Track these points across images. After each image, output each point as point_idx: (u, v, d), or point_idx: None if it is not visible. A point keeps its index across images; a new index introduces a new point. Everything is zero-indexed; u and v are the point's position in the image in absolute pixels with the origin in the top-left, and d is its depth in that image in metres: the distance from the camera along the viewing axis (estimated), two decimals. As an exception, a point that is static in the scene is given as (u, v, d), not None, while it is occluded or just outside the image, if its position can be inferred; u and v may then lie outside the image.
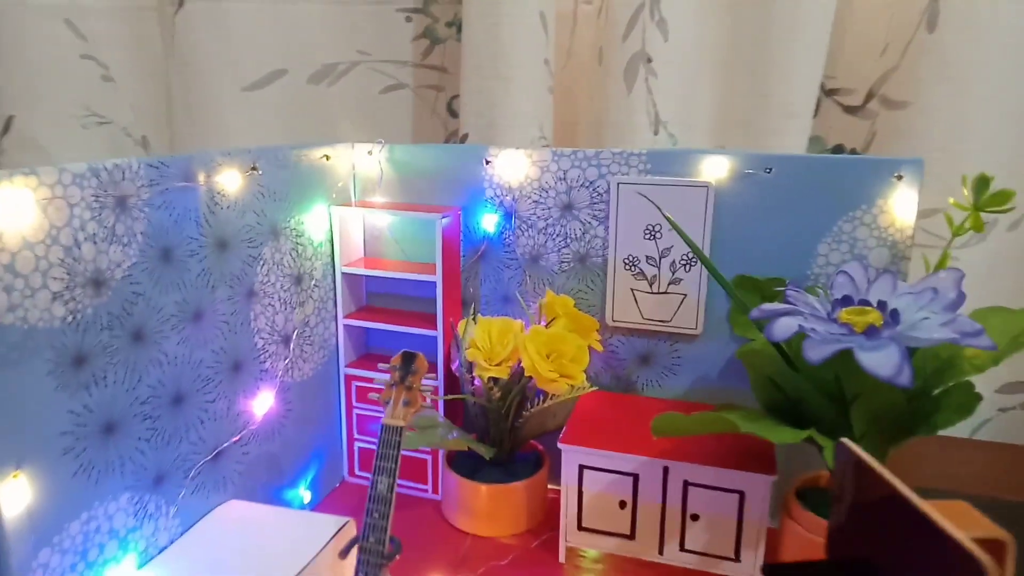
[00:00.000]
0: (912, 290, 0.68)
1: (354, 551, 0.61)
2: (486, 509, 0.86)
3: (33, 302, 0.54)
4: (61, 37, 1.36)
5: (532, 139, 1.21)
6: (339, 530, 0.68)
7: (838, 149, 1.23)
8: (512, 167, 0.88)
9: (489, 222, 0.91)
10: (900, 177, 0.77)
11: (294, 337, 0.84)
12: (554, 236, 0.89)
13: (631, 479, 0.77)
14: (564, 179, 0.87)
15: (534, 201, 0.88)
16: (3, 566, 0.54)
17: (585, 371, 0.89)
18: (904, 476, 1.00)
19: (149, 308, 0.65)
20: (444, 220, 0.85)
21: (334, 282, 0.91)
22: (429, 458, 0.92)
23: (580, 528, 0.80)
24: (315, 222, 0.87)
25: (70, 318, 0.57)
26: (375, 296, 0.97)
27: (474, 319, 0.86)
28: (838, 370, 0.68)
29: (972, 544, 0.42)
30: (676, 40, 1.15)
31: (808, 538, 0.72)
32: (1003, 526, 0.58)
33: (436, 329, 0.88)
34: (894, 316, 0.65)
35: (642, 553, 0.79)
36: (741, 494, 0.74)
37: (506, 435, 0.87)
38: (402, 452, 0.90)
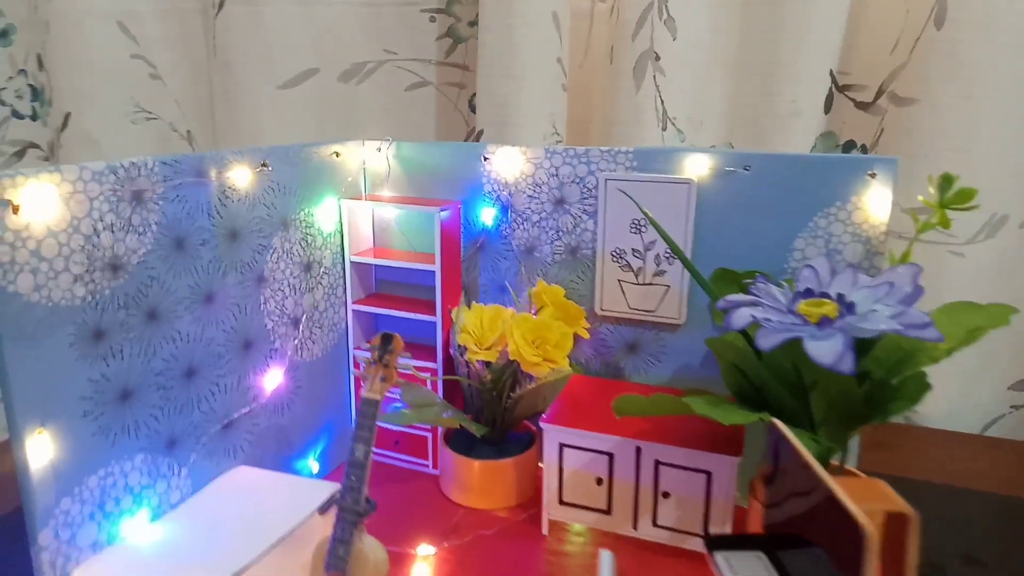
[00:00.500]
0: (870, 284, 0.71)
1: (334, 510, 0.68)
2: (478, 483, 0.92)
3: (56, 283, 0.62)
4: (114, 39, 1.46)
5: (545, 135, 1.26)
6: (332, 494, 0.75)
7: (849, 145, 1.24)
8: (508, 163, 0.94)
9: (487, 215, 0.96)
10: (873, 175, 0.80)
11: (303, 320, 0.92)
12: (547, 229, 0.94)
13: (607, 457, 0.82)
14: (556, 175, 0.92)
15: (528, 196, 0.94)
16: (29, 510, 0.62)
17: (575, 357, 0.94)
18: (909, 470, 1.02)
19: (163, 290, 0.72)
20: (443, 213, 0.91)
21: (344, 270, 0.98)
22: (429, 436, 0.99)
23: (561, 503, 0.86)
24: (325, 214, 0.94)
25: (89, 298, 0.65)
26: (385, 284, 1.04)
27: (468, 306, 0.92)
28: (796, 359, 0.71)
29: (858, 511, 0.46)
30: (684, 39, 1.18)
31: (771, 518, 0.76)
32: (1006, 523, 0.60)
33: (435, 315, 0.94)
34: (850, 308, 0.68)
35: (618, 527, 0.84)
36: (708, 474, 0.78)
37: (498, 415, 0.92)
38: (402, 429, 0.97)
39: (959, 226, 1.13)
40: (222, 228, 0.79)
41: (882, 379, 0.73)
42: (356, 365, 1.00)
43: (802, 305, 0.69)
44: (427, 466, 1.00)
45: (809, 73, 1.16)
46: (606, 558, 0.73)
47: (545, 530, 0.87)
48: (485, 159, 0.95)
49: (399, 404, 0.94)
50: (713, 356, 0.90)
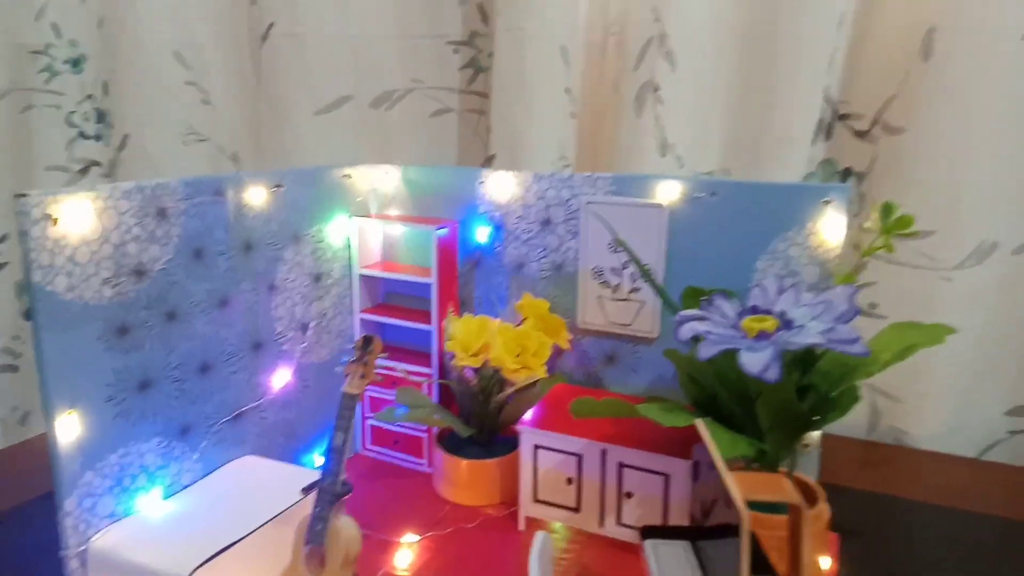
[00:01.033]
0: (810, 302, 0.76)
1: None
2: (465, 480, 1.00)
3: (88, 284, 0.73)
4: (170, 67, 1.61)
5: (553, 161, 1.34)
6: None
7: (847, 172, 1.29)
8: (500, 187, 1.02)
9: (482, 234, 1.05)
10: (828, 202, 0.85)
11: (311, 325, 1.02)
12: (535, 247, 1.02)
13: (576, 459, 0.89)
14: (543, 198, 1.00)
15: (518, 216, 1.02)
16: (58, 480, 0.73)
17: (559, 367, 1.01)
18: (906, 489, 1.05)
19: (182, 294, 0.83)
20: (439, 231, 1.00)
21: (351, 281, 1.08)
22: (425, 436, 1.07)
23: (536, 500, 0.93)
24: (336, 230, 1.04)
25: (116, 298, 0.76)
26: (392, 296, 1.13)
27: (459, 316, 1.01)
28: (740, 370, 0.77)
29: (738, 498, 0.53)
30: (683, 71, 1.25)
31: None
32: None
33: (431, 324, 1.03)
34: (788, 324, 0.74)
35: (586, 525, 0.90)
36: (667, 476, 0.84)
37: (485, 417, 1.00)
38: (400, 428, 1.06)
39: (947, 251, 1.16)
40: (238, 240, 0.89)
41: (825, 392, 0.78)
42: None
43: (746, 321, 0.76)
44: (423, 464, 1.08)
45: (802, 103, 1.21)
46: (539, 538, 0.78)
47: (522, 525, 0.94)
48: (481, 183, 1.03)
49: (398, 407, 1.03)
50: (680, 374, 0.96)
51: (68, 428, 0.73)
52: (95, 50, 1.63)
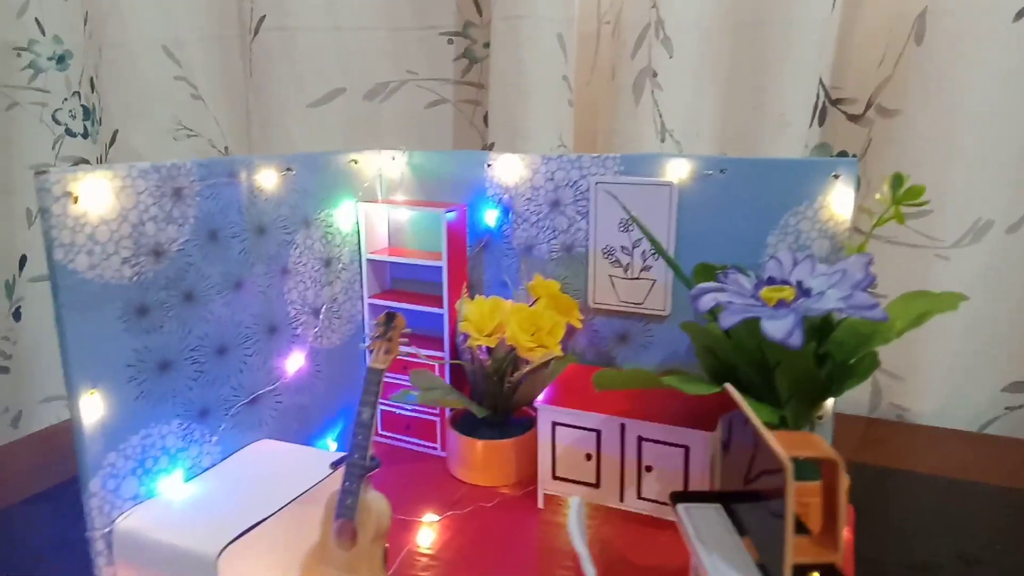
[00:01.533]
0: (827, 271, 0.78)
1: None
2: (481, 462, 1.00)
3: (108, 264, 0.72)
4: (159, 63, 1.60)
5: (551, 147, 1.35)
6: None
7: (842, 155, 1.31)
8: (509, 170, 1.03)
9: (491, 217, 1.05)
10: (837, 176, 0.87)
11: (323, 310, 1.01)
12: (544, 229, 1.03)
13: (595, 435, 0.90)
14: (552, 179, 1.01)
15: (527, 199, 1.03)
16: (82, 461, 0.72)
17: (571, 348, 1.02)
18: (909, 462, 1.07)
19: (199, 276, 0.83)
20: (449, 215, 1.01)
21: (360, 267, 1.08)
22: (438, 420, 1.07)
23: (555, 478, 0.93)
24: (344, 216, 1.04)
25: (136, 278, 0.75)
26: (399, 281, 1.13)
27: (471, 298, 1.01)
28: (760, 341, 0.79)
29: (780, 449, 0.54)
30: (680, 57, 1.27)
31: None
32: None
33: (443, 307, 1.03)
34: (806, 293, 0.75)
35: (606, 500, 0.91)
36: (686, 448, 0.86)
37: (499, 398, 1.01)
38: (412, 413, 1.06)
39: (943, 230, 1.19)
40: (251, 223, 0.89)
41: (842, 361, 0.80)
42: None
43: (764, 291, 0.77)
44: (435, 448, 1.09)
45: (797, 88, 1.24)
46: (575, 503, 0.79)
47: (540, 503, 0.95)
48: (488, 166, 1.04)
49: (411, 392, 1.03)
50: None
51: (91, 409, 0.72)
52: (80, 46, 1.61)
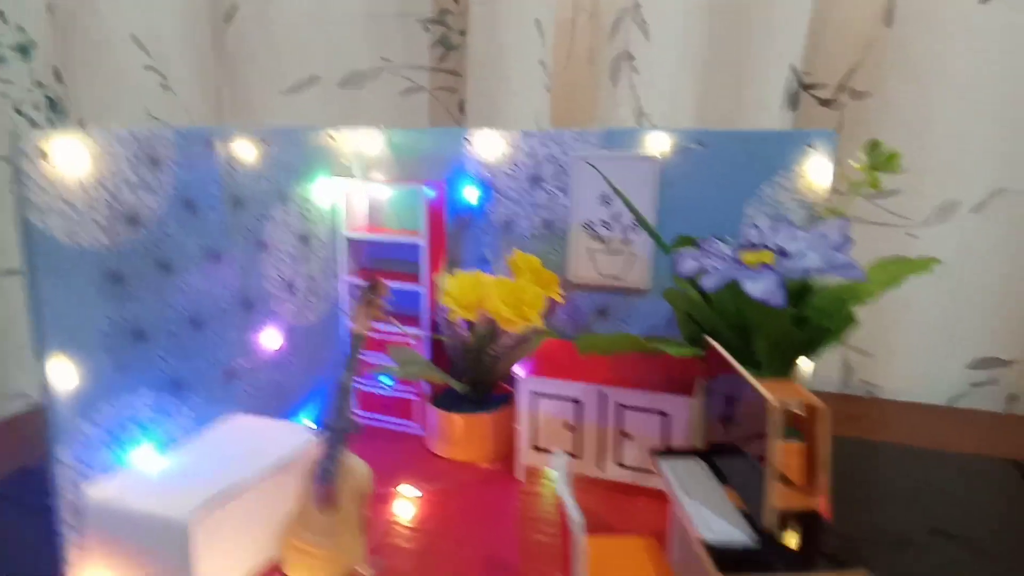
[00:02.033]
0: (805, 235, 0.79)
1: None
2: (460, 436, 0.99)
3: (83, 228, 0.71)
4: (126, 51, 1.57)
5: (528, 132, 1.35)
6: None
7: (814, 139, 1.33)
8: (488, 146, 1.03)
9: (471, 194, 1.05)
10: (811, 146, 0.88)
11: (300, 287, 1.00)
12: (525, 205, 1.03)
13: (574, 404, 0.90)
14: (532, 155, 1.01)
15: (507, 175, 1.03)
16: (52, 428, 0.70)
17: (550, 323, 1.02)
18: (881, 434, 1.08)
19: (175, 245, 0.81)
20: (428, 190, 1.00)
21: (337, 245, 1.07)
22: (415, 399, 1.06)
23: (534, 448, 0.93)
24: (322, 192, 1.03)
25: (111, 245, 0.74)
26: (377, 261, 1.12)
27: (451, 273, 1.01)
28: (740, 304, 0.79)
29: (766, 391, 0.54)
30: (657, 41, 1.28)
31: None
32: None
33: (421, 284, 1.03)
34: (785, 255, 0.76)
35: (587, 469, 0.91)
36: (667, 415, 0.86)
37: (479, 373, 1.00)
38: (389, 392, 1.05)
39: (912, 208, 1.22)
40: (228, 195, 0.88)
41: (819, 324, 0.81)
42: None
43: (745, 255, 0.78)
44: (413, 427, 1.08)
45: (772, 72, 1.25)
46: (560, 458, 0.77)
47: (520, 475, 0.94)
48: (466, 140, 1.04)
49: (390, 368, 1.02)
50: (676, 319, 0.98)
51: (63, 375, 0.70)
52: (45, 36, 1.58)
